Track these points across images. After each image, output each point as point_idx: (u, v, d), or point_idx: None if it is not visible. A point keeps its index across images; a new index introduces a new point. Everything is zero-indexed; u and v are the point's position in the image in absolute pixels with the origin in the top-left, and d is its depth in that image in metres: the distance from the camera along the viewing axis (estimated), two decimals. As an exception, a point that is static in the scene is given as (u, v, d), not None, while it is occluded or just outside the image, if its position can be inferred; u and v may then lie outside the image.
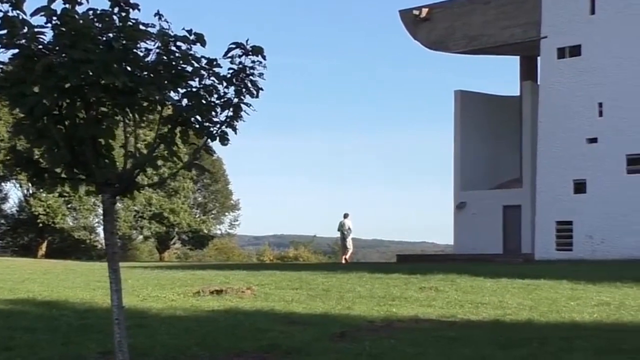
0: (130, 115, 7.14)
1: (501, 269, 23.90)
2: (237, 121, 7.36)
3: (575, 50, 35.26)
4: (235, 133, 7.36)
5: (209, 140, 7.46)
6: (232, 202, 63.59)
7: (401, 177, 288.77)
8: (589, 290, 16.54)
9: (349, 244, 37.20)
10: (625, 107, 33.67)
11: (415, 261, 35.91)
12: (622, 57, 33.82)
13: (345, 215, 37.12)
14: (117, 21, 6.77)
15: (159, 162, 7.39)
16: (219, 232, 64.43)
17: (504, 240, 39.44)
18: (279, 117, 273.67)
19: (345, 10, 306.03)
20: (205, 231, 60.02)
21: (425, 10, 40.42)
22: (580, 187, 34.91)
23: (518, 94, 40.68)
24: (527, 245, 37.28)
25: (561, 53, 35.63)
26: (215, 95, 7.27)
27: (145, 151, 7.51)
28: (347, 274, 21.94)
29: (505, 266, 26.81)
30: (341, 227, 36.95)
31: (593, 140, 34.60)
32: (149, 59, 6.93)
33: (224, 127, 7.36)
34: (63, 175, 7.26)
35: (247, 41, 7.27)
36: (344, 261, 36.28)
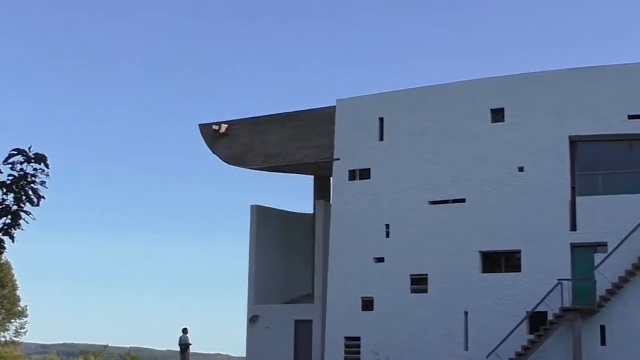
0: None
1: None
2: (16, 229, 7.15)
3: (365, 173, 37.02)
4: (13, 242, 7.18)
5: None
6: (19, 308, 61.00)
7: (197, 287, 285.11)
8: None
9: (188, 357, 39.38)
10: (409, 229, 35.53)
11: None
12: (408, 181, 35.87)
13: (185, 331, 39.03)
14: None
15: None
16: (3, 339, 61.42)
17: (296, 355, 39.82)
18: (72, 222, 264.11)
19: (143, 118, 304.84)
20: (-12, 339, 56.97)
21: (224, 126, 41.24)
22: (368, 304, 36.08)
23: (312, 211, 42.06)
24: (317, 360, 37.88)
25: (352, 175, 37.33)
26: (-7, 202, 7.09)
27: None
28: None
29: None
30: (181, 342, 38.90)
31: (380, 260, 36.06)
32: None
33: (1, 234, 7.15)
34: None
35: (30, 148, 7.20)
36: None
